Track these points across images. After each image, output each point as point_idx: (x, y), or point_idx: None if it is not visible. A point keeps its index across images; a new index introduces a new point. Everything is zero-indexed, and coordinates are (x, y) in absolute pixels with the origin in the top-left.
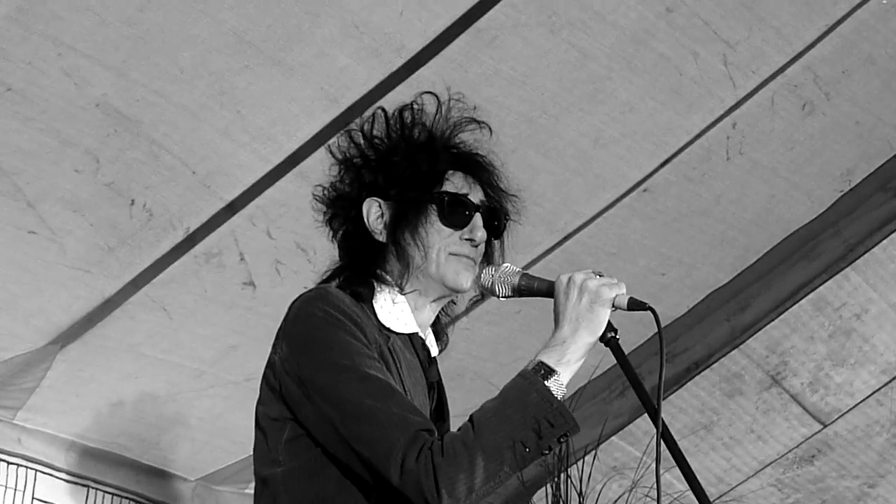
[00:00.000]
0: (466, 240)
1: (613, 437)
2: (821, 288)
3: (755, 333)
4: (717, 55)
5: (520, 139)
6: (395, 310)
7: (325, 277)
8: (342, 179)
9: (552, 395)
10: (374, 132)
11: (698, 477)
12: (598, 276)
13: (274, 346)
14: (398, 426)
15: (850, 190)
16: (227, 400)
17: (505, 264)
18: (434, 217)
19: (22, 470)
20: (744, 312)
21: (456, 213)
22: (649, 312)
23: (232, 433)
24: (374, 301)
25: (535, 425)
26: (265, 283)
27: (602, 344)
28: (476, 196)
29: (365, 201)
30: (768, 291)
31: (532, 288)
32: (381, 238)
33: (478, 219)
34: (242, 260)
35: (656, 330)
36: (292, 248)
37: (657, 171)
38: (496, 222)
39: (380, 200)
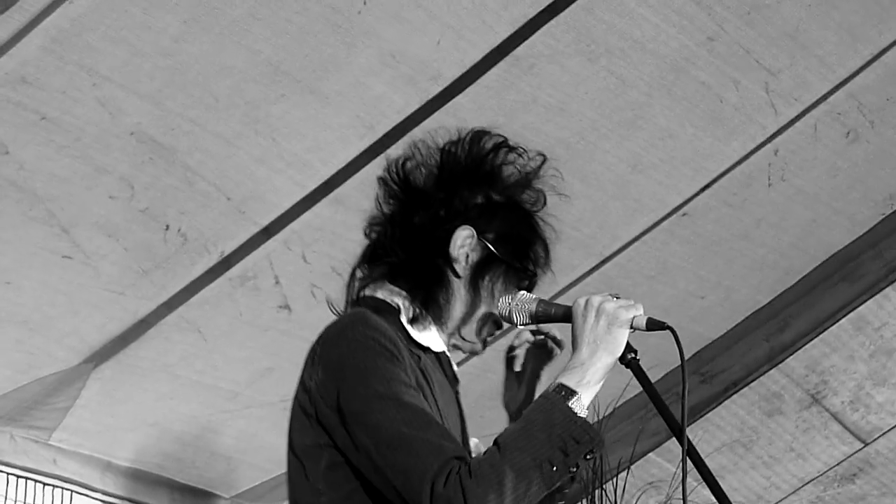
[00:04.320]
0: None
1: (650, 454)
2: (861, 308)
3: (794, 353)
4: (759, 83)
5: (558, 164)
6: (428, 332)
7: (363, 261)
8: (436, 178)
9: (575, 414)
10: (474, 151)
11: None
12: (615, 298)
13: (307, 370)
14: (433, 454)
15: (893, 212)
16: (261, 420)
17: (521, 292)
18: (511, 284)
19: (58, 491)
20: (783, 333)
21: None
22: (670, 332)
23: (267, 452)
24: (411, 324)
25: (561, 444)
26: (300, 306)
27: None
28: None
29: (462, 227)
30: (808, 312)
31: (549, 314)
32: (459, 271)
33: None
34: (277, 283)
35: (686, 350)
36: (328, 272)
37: (697, 196)
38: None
39: (475, 233)
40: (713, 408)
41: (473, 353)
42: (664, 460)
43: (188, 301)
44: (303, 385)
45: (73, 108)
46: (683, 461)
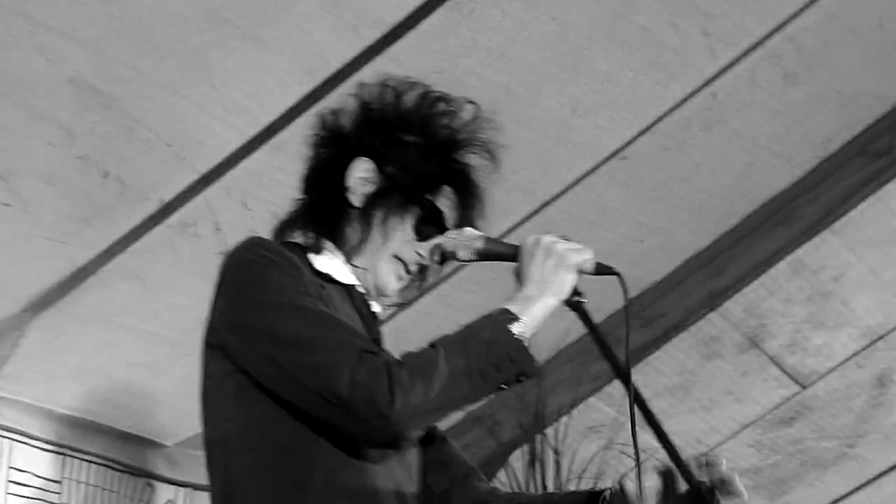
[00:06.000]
0: (418, 254)
1: (591, 399)
2: (798, 251)
3: (733, 296)
4: (698, 26)
5: (499, 109)
6: (332, 264)
7: (283, 224)
8: (351, 119)
9: (514, 335)
10: (406, 98)
11: (677, 439)
12: (564, 241)
13: (212, 306)
14: (343, 347)
15: (829, 155)
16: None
17: (467, 229)
18: (410, 217)
19: None
20: (721, 276)
21: (429, 228)
22: (616, 277)
23: None
24: (316, 253)
25: (496, 359)
26: None
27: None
28: (452, 218)
29: (359, 158)
30: (746, 255)
31: (495, 252)
32: (355, 202)
33: None
34: (218, 230)
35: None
36: (268, 219)
37: (636, 140)
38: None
39: (374, 166)
40: (652, 352)
41: (380, 294)
42: (605, 405)
43: (128, 249)
44: (209, 322)
45: (10, 56)
46: (631, 409)
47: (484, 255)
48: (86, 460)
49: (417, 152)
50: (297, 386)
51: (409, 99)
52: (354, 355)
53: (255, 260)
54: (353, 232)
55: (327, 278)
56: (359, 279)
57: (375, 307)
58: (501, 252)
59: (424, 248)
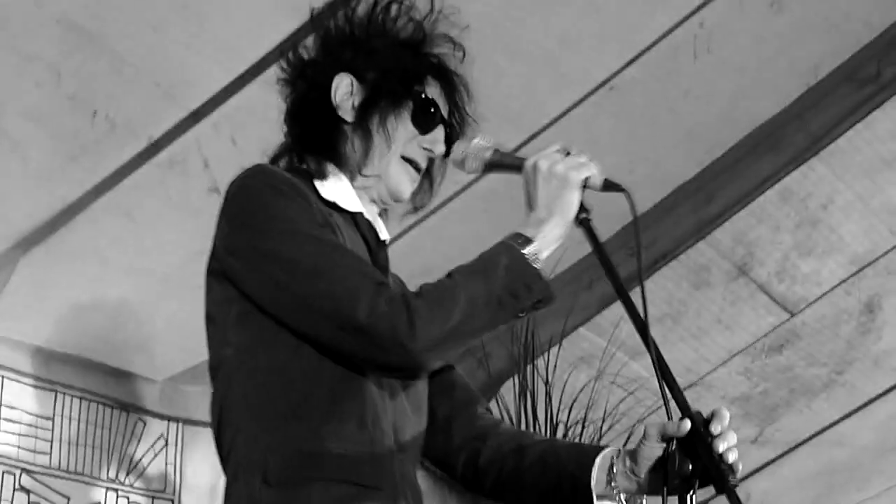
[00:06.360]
0: (424, 148)
1: (581, 328)
2: (786, 179)
3: (721, 224)
4: None
5: (485, 41)
6: (338, 189)
7: (276, 153)
8: (317, 49)
9: (530, 262)
10: (359, 12)
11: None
12: (565, 156)
13: (215, 232)
14: (360, 275)
15: (817, 83)
16: (193, 303)
17: (476, 139)
18: (406, 114)
19: None
20: (709, 205)
21: (426, 118)
22: (623, 194)
23: (198, 335)
24: (320, 179)
25: (513, 287)
26: None
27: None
28: (445, 111)
29: (338, 75)
30: (734, 183)
31: (503, 163)
32: (347, 117)
33: (441, 132)
34: (207, 166)
35: (625, 222)
36: (257, 154)
37: (623, 70)
38: (451, 143)
39: (353, 79)
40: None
41: (396, 199)
42: (594, 334)
43: (117, 186)
44: (212, 250)
45: None
46: (647, 338)
47: (491, 167)
48: (77, 396)
49: (390, 52)
50: (310, 313)
51: (363, 10)
52: (372, 285)
53: (262, 188)
54: (353, 147)
55: (334, 206)
56: (369, 192)
57: (382, 234)
58: (510, 164)
59: (429, 140)
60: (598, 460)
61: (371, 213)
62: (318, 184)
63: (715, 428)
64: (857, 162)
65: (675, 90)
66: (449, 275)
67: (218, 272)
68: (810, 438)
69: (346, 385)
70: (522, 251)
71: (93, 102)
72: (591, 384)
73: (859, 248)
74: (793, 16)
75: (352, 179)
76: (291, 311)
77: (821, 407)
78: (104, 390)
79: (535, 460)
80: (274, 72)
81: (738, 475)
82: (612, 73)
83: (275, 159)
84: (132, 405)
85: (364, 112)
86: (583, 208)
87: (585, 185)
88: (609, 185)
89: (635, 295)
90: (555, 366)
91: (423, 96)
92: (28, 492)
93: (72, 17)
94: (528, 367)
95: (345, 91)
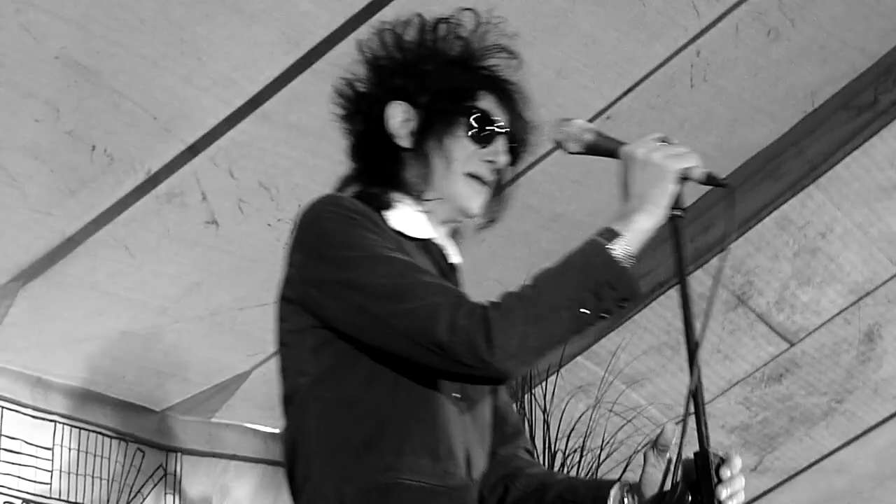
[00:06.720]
0: (487, 161)
1: (578, 358)
2: (784, 206)
3: (719, 253)
4: None
5: None
6: (409, 216)
7: (339, 184)
8: (368, 79)
9: (614, 259)
10: (407, 37)
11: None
12: (662, 145)
13: (288, 260)
14: (438, 292)
15: (813, 111)
16: (191, 334)
17: (577, 120)
18: (461, 131)
19: None
20: (707, 233)
21: (483, 131)
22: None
23: (197, 366)
24: (387, 209)
25: (596, 288)
26: (228, 220)
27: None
28: (503, 121)
29: (391, 104)
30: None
31: (602, 147)
32: (405, 144)
33: (502, 142)
34: (204, 199)
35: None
36: (255, 187)
37: (620, 100)
38: (516, 151)
39: (407, 105)
40: (640, 310)
41: (466, 216)
42: (592, 363)
43: (115, 219)
44: (285, 277)
45: None
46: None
47: (591, 149)
48: (77, 427)
49: (440, 73)
50: (391, 333)
51: (410, 33)
52: (452, 299)
53: (334, 217)
54: (414, 172)
55: (403, 234)
56: (438, 214)
57: (453, 258)
58: (609, 148)
59: (490, 152)
60: (612, 492)
61: (442, 237)
62: (385, 214)
63: (724, 473)
64: (854, 190)
65: (671, 119)
66: (532, 280)
67: (292, 300)
68: (810, 466)
69: (420, 416)
70: (607, 247)
71: (91, 137)
72: (590, 413)
73: (858, 276)
74: (789, 44)
75: (418, 204)
76: (373, 333)
77: (820, 435)
78: (103, 421)
79: (556, 497)
80: (271, 105)
81: None
82: (609, 102)
83: (340, 188)
84: (131, 435)
85: (420, 136)
86: (679, 205)
87: (686, 178)
88: (712, 180)
89: (631, 324)
90: (553, 394)
91: (476, 111)
92: None
93: (70, 53)
94: (527, 396)
95: (400, 119)
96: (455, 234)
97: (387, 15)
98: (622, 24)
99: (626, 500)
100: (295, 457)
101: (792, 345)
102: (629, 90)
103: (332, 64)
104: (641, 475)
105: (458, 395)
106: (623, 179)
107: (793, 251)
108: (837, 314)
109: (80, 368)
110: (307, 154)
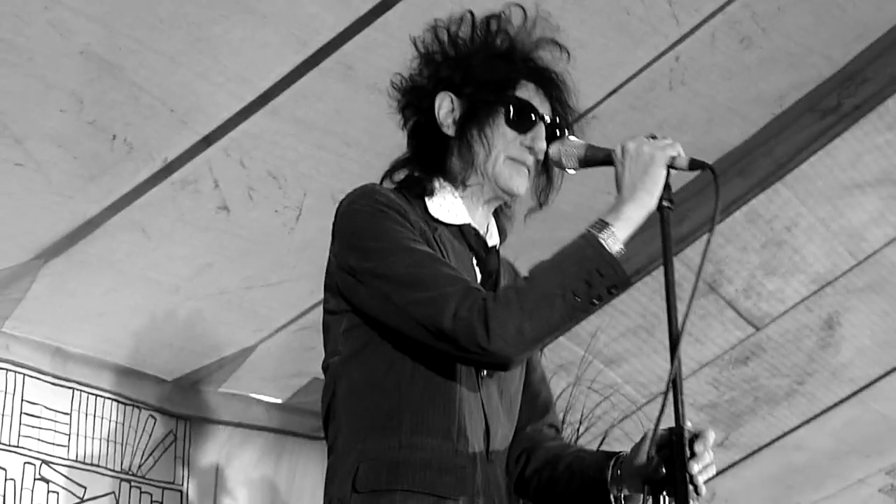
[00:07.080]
0: (527, 147)
1: (560, 338)
2: (753, 202)
3: (692, 243)
4: None
5: None
6: (447, 203)
7: (390, 168)
8: (420, 72)
9: (604, 248)
10: (459, 33)
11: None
12: (651, 139)
13: (331, 250)
14: (450, 283)
15: (782, 113)
16: (202, 311)
17: (570, 137)
18: (501, 119)
19: (11, 374)
20: (681, 224)
21: (522, 119)
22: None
23: (206, 339)
24: (429, 196)
25: (587, 275)
26: (238, 207)
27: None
28: (544, 109)
29: (438, 94)
30: (704, 205)
31: (597, 158)
32: (450, 132)
33: (541, 129)
34: (217, 187)
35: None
36: (263, 176)
37: (605, 101)
38: (554, 137)
39: (453, 96)
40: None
41: (510, 194)
42: (573, 344)
43: (133, 203)
44: (328, 265)
45: (25, 30)
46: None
47: (585, 163)
48: (93, 394)
49: (485, 65)
50: (408, 320)
51: (463, 30)
52: (462, 290)
53: (366, 209)
54: (458, 158)
55: (440, 222)
56: (480, 195)
57: (491, 239)
58: (602, 157)
59: (529, 138)
60: (611, 463)
61: (481, 220)
62: (427, 201)
63: (697, 447)
64: (819, 187)
65: (651, 119)
66: (529, 273)
67: (331, 285)
68: (772, 443)
69: (435, 399)
70: (598, 237)
71: (112, 127)
72: (570, 390)
73: (821, 268)
74: (760, 51)
75: (461, 190)
76: (395, 319)
77: (782, 414)
78: (118, 389)
79: (566, 468)
80: (280, 101)
81: (702, 497)
82: (595, 102)
83: (390, 172)
84: (144, 403)
85: (464, 125)
86: (668, 195)
87: (672, 166)
88: (695, 164)
89: (609, 308)
90: None
91: (515, 99)
92: (47, 481)
93: (94, 49)
94: None
95: (446, 109)
96: (499, 215)
97: (390, 18)
98: (608, 31)
99: (614, 471)
100: (328, 418)
101: (758, 330)
102: (613, 92)
103: (337, 63)
104: (632, 449)
105: (487, 373)
106: (616, 176)
107: (760, 243)
108: (800, 302)
109: (97, 340)
110: (313, 147)
